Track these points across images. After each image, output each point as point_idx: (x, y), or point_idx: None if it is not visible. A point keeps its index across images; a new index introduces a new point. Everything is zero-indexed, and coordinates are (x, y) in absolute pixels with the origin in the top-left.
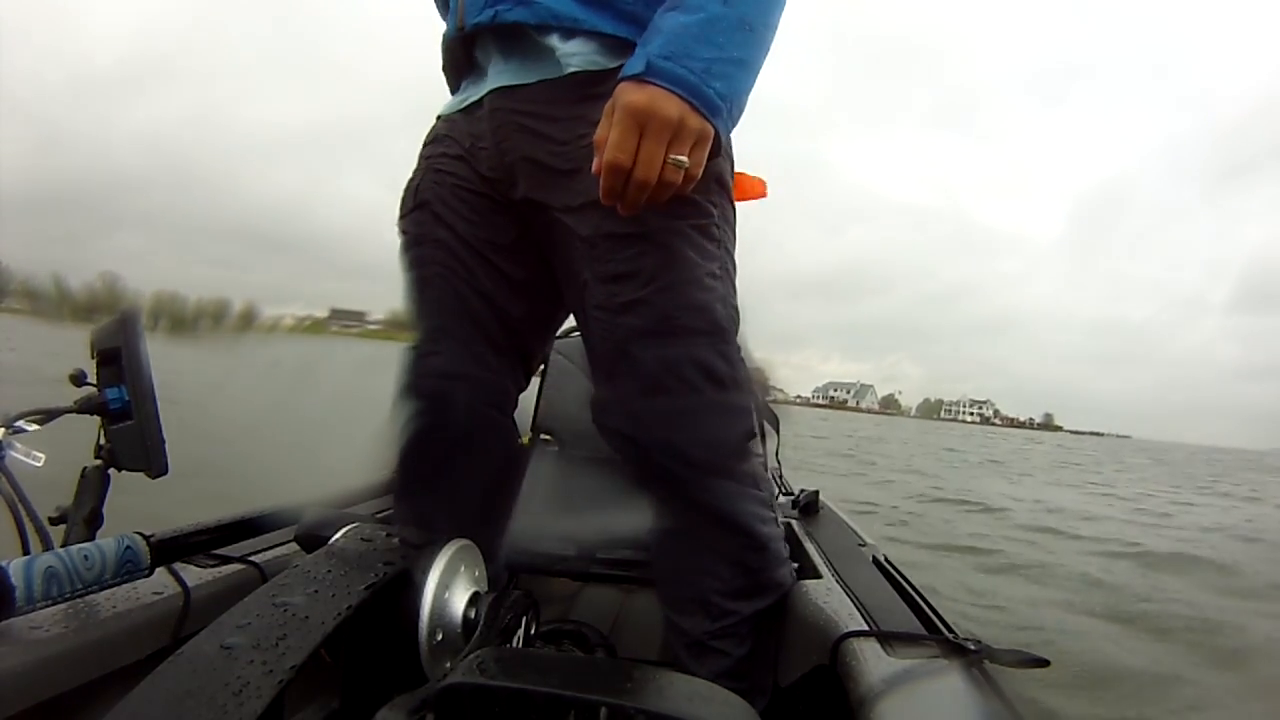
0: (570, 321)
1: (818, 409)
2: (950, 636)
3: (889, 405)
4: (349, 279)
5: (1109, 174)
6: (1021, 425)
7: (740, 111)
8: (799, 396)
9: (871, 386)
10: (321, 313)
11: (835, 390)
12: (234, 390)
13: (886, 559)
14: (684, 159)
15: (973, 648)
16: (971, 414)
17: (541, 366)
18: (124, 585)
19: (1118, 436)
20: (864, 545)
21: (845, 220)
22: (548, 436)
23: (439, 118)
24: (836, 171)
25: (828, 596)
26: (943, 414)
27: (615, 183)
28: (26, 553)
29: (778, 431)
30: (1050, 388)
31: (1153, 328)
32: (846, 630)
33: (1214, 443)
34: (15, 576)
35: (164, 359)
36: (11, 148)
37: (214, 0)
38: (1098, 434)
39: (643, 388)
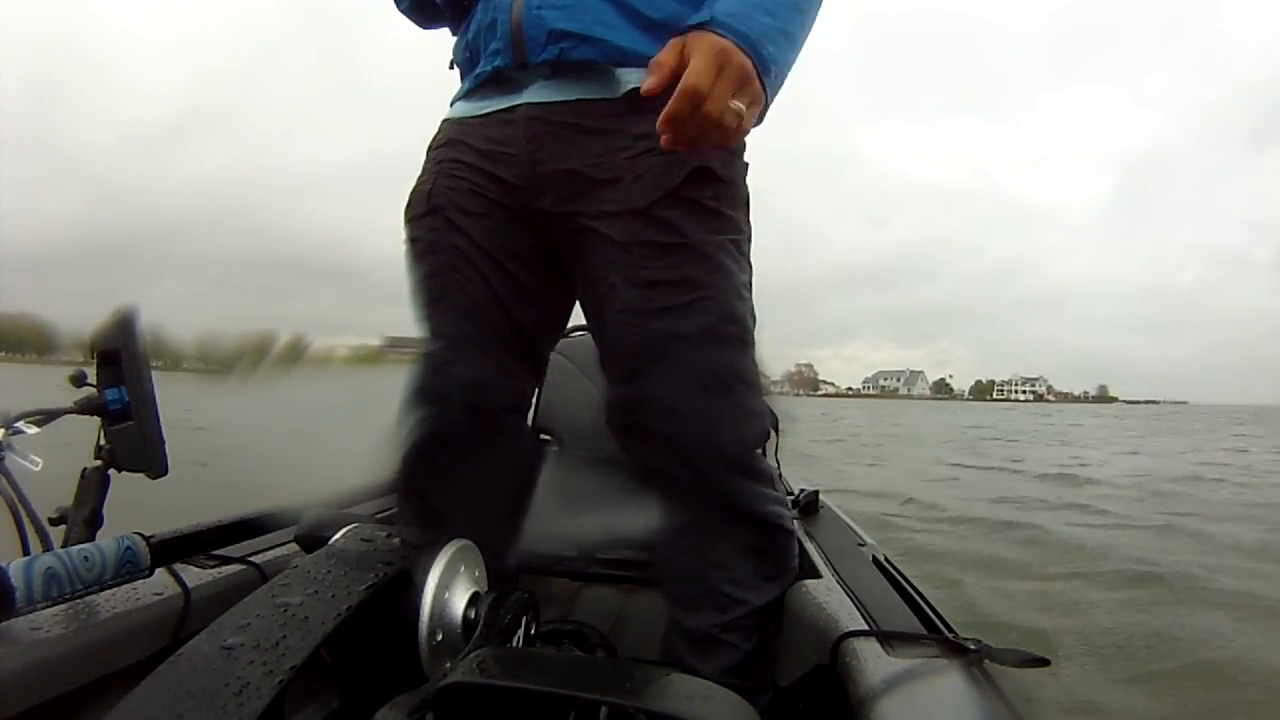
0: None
1: (868, 399)
2: (950, 636)
3: (941, 390)
4: (401, 304)
5: (1144, 139)
6: (1076, 399)
7: (779, 86)
8: (849, 388)
9: (921, 372)
10: (376, 341)
11: (885, 379)
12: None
13: (886, 559)
14: (743, 108)
15: (973, 647)
16: (1024, 392)
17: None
18: (124, 586)
19: (1173, 403)
20: (864, 545)
21: (887, 210)
22: (548, 436)
23: (448, 120)
24: (868, 161)
25: (827, 596)
26: (995, 394)
27: (684, 108)
28: (26, 553)
29: (777, 431)
30: (1102, 359)
31: (1200, 290)
32: (846, 630)
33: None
34: (15, 577)
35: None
36: (64, 206)
37: (260, 49)
38: (1153, 401)
39: (684, 388)
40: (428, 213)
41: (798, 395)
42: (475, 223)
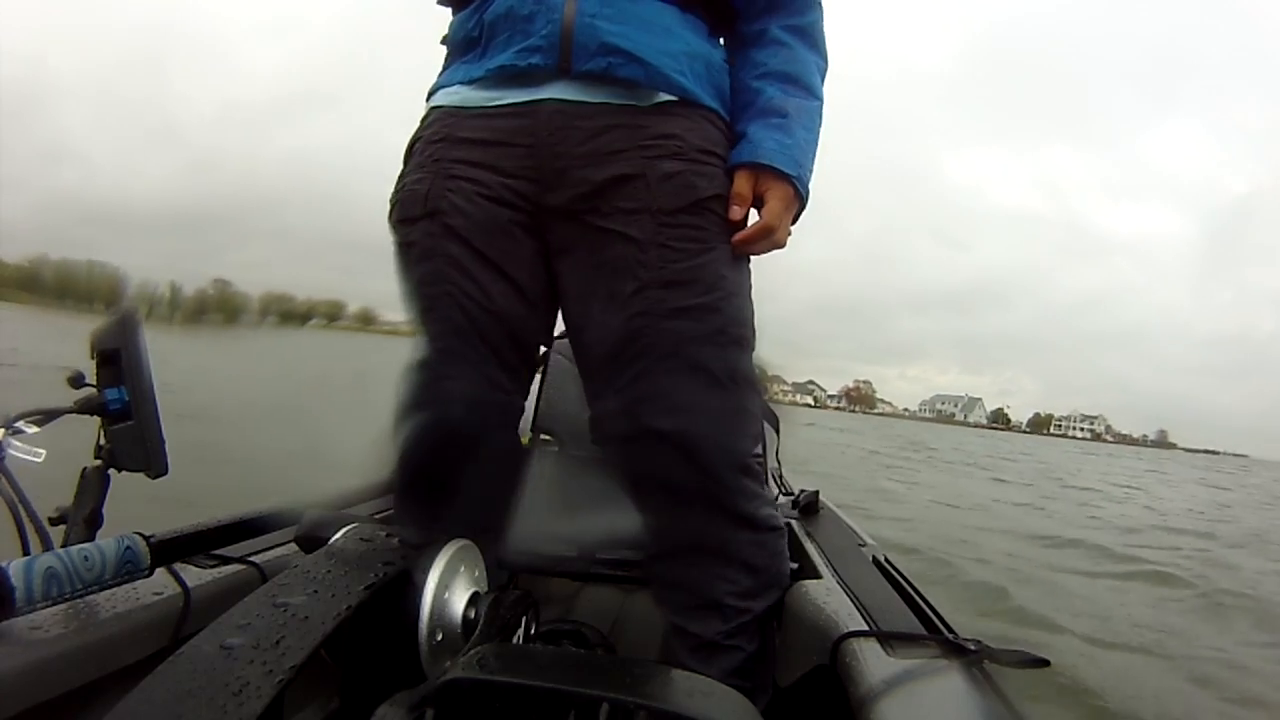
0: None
1: (923, 422)
2: (950, 636)
3: (998, 419)
4: None
5: (1238, 183)
6: (1134, 442)
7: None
8: (906, 409)
9: (980, 400)
10: None
11: (943, 403)
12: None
13: (886, 559)
14: (791, 230)
15: (972, 648)
16: (1082, 429)
17: (541, 367)
18: (124, 585)
19: (1234, 455)
20: (864, 545)
21: (970, 233)
22: (548, 436)
23: (441, 109)
24: (953, 182)
25: (828, 596)
26: (1052, 429)
27: (760, 238)
28: (26, 553)
29: (778, 432)
30: (1166, 403)
31: (1277, 342)
32: (846, 630)
33: None
34: (15, 577)
35: (275, 345)
36: (163, 166)
37: (375, 39)
38: (1213, 451)
39: (694, 387)
40: (424, 216)
41: (852, 412)
42: (476, 229)
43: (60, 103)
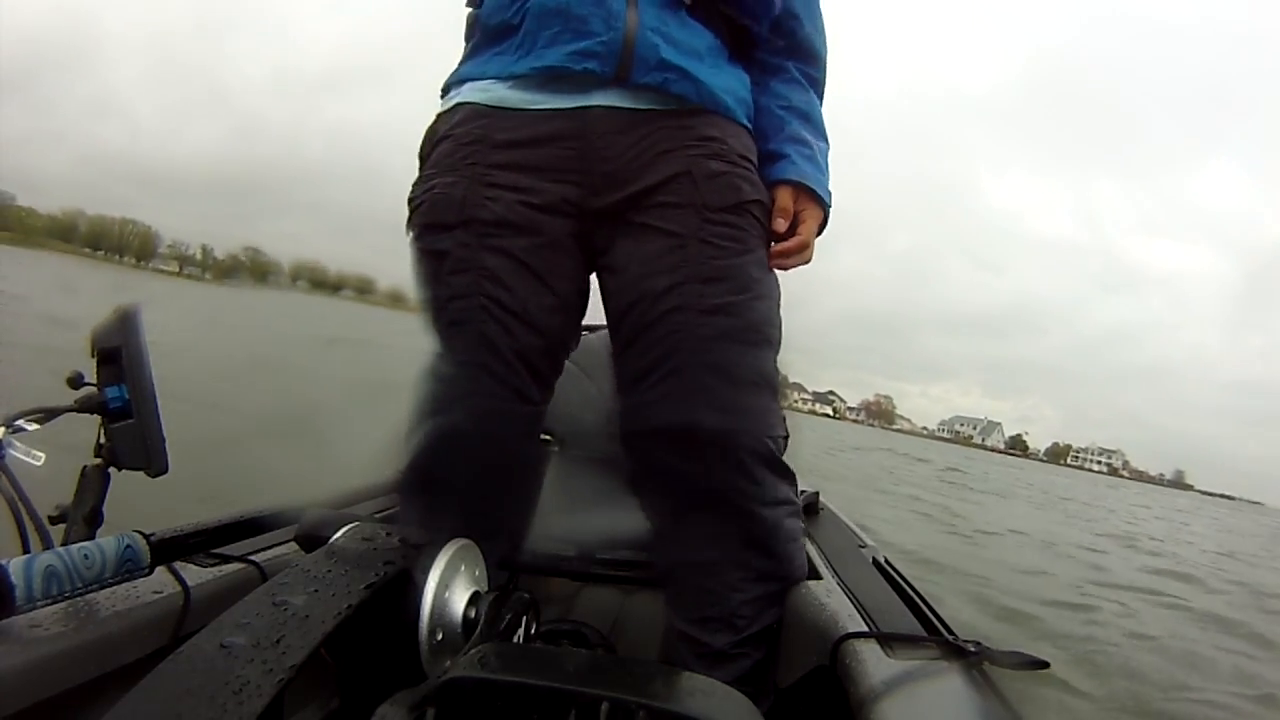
0: None
1: (941, 442)
2: (950, 638)
3: (1015, 445)
4: None
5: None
6: (1150, 479)
7: None
8: (924, 428)
9: (999, 424)
10: None
11: (961, 425)
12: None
13: (886, 560)
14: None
15: (972, 649)
16: (1099, 462)
17: None
18: (124, 584)
19: (1249, 502)
20: (864, 546)
21: (1006, 257)
22: (548, 436)
23: (473, 105)
24: (985, 201)
25: (828, 597)
26: (1069, 460)
27: (795, 251)
28: (26, 551)
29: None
30: (1188, 443)
31: None
32: (846, 631)
33: None
34: (15, 575)
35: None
36: (208, 130)
37: (426, 12)
38: (1229, 497)
39: (730, 382)
40: (459, 224)
41: (870, 425)
42: (519, 239)
43: (110, 59)
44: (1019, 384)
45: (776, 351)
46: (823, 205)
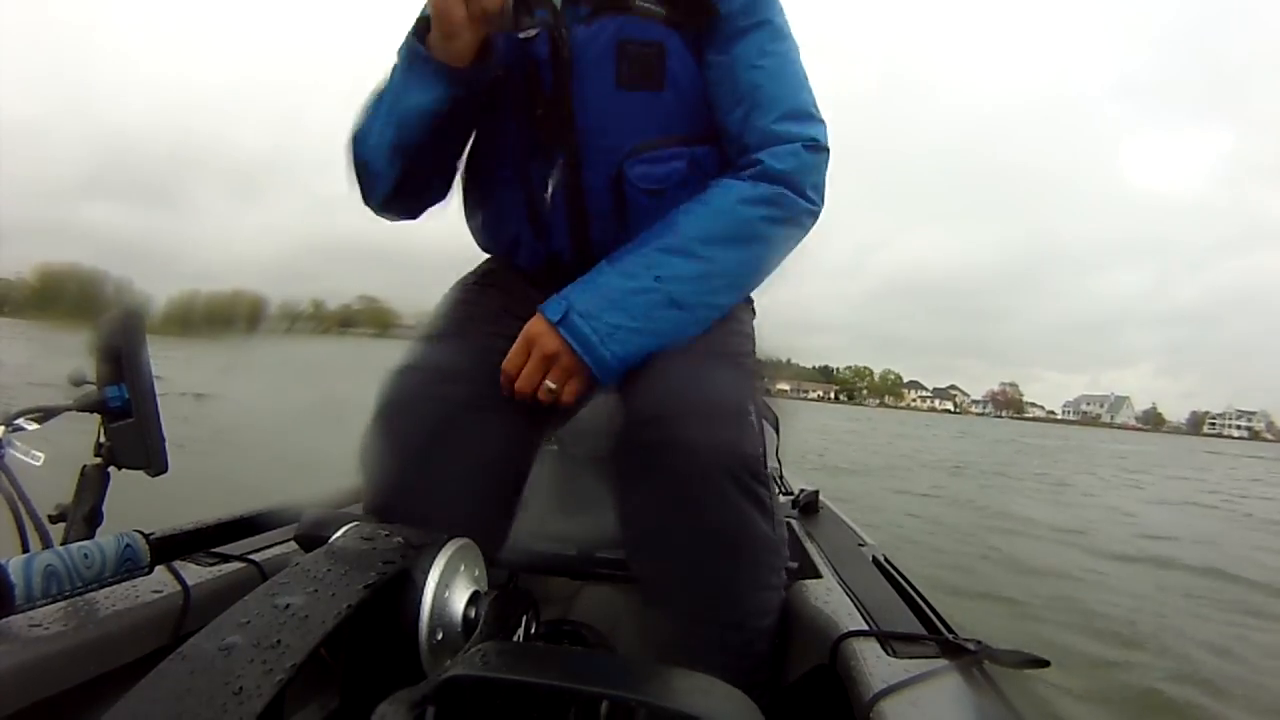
0: None
1: (1067, 425)
2: (950, 636)
3: (1149, 420)
4: None
5: None
6: None
7: (637, 361)
8: (1049, 412)
9: (1127, 398)
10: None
11: (1088, 404)
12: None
13: (887, 559)
14: (553, 386)
15: (972, 648)
16: (1238, 427)
17: None
18: (124, 583)
19: None
20: (864, 545)
21: (1212, 255)
22: None
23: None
24: (1122, 172)
25: (828, 596)
26: (1206, 428)
27: (506, 383)
28: (26, 550)
29: (777, 431)
30: None
31: None
32: (846, 630)
33: None
34: (15, 574)
35: None
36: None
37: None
38: None
39: (706, 382)
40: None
41: (999, 417)
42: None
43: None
44: (1133, 352)
45: (753, 349)
46: (564, 326)
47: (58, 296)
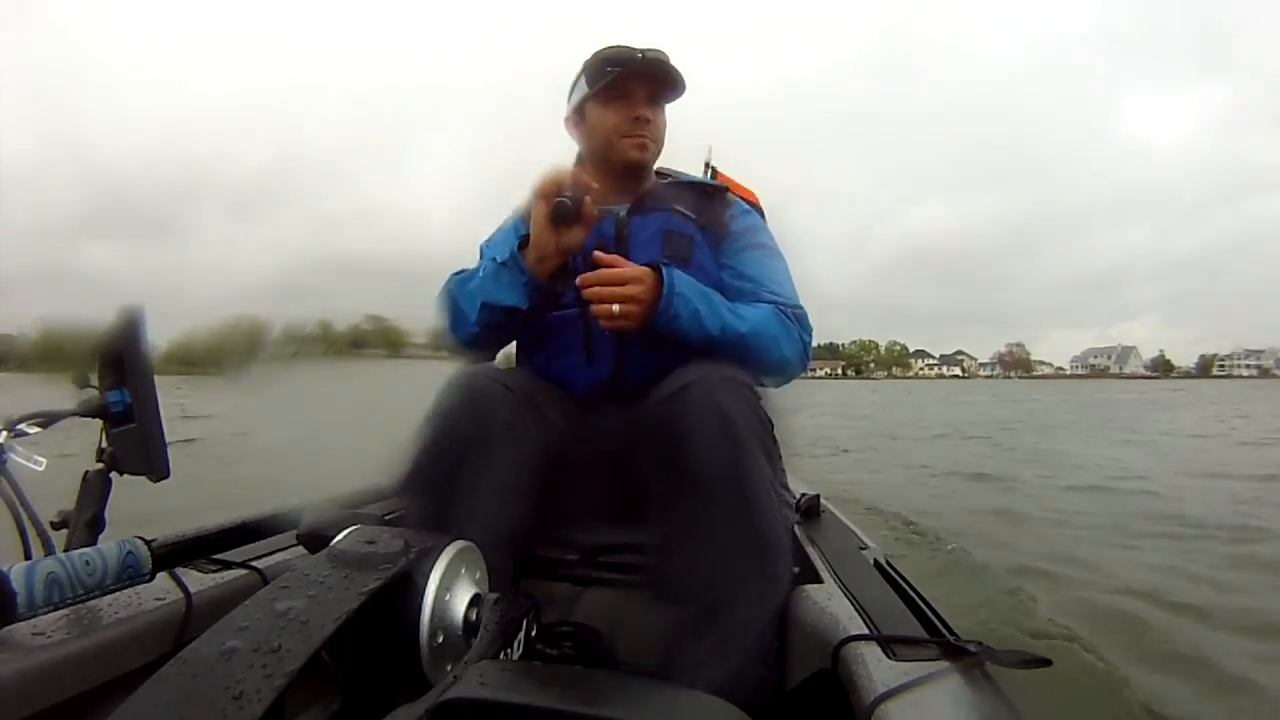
0: None
1: (1078, 380)
2: (951, 639)
3: (1157, 367)
4: None
5: None
6: None
7: (680, 325)
8: (1058, 368)
9: (1134, 348)
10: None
11: (1095, 357)
12: None
13: (888, 562)
14: (616, 309)
15: (974, 650)
16: (1248, 366)
17: None
18: (126, 590)
19: None
20: (865, 549)
21: (1208, 204)
22: None
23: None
24: (1117, 130)
25: (829, 601)
26: (1216, 370)
27: (583, 283)
28: (28, 558)
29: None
30: None
31: None
32: (848, 634)
33: None
34: (17, 582)
35: None
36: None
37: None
38: None
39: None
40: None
41: (1008, 378)
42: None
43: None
44: (1139, 304)
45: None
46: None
47: (60, 351)
